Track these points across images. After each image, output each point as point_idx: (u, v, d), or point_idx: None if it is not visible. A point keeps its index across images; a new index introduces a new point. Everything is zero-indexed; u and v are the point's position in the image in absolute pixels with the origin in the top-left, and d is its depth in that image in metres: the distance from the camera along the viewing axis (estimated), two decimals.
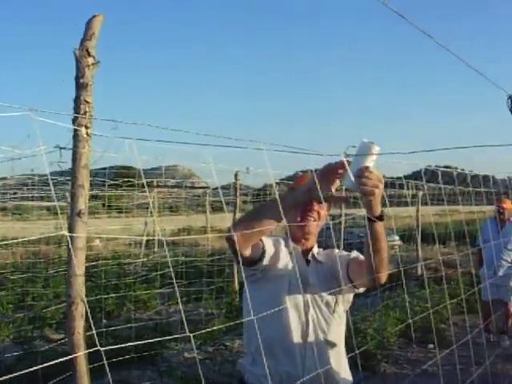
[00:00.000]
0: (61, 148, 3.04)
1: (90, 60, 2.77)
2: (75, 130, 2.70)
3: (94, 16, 2.85)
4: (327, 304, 2.65)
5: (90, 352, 2.60)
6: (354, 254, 2.75)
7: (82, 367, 2.73)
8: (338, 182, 2.27)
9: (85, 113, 2.71)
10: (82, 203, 2.77)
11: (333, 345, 2.63)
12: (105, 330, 6.58)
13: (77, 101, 2.72)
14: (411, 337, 7.71)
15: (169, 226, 22.34)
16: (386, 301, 8.73)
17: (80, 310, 2.74)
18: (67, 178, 12.02)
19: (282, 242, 2.70)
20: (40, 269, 11.29)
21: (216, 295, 9.35)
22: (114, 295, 9.03)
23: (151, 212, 17.05)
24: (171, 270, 9.21)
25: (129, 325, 7.19)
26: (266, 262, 2.51)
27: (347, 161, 2.18)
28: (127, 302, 9.51)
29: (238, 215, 10.13)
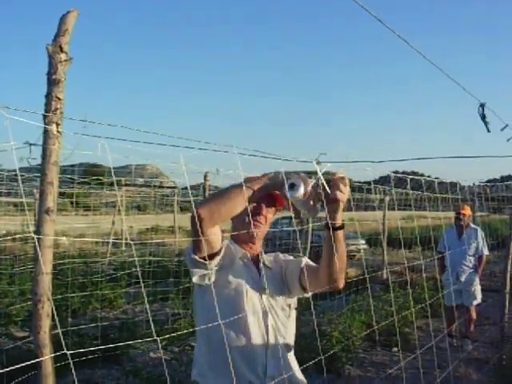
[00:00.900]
0: (30, 144, 3.00)
1: (63, 56, 2.73)
2: (45, 127, 2.67)
3: (69, 12, 2.82)
4: (283, 309, 2.64)
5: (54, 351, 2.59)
6: (305, 260, 2.71)
7: (48, 367, 2.70)
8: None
9: (56, 110, 2.68)
10: (51, 201, 2.74)
11: (290, 348, 2.64)
12: (71, 328, 6.50)
13: (48, 97, 2.68)
14: (376, 340, 7.78)
15: (136, 224, 22.19)
16: (352, 304, 8.79)
17: (46, 308, 2.71)
18: (35, 174, 11.89)
19: (232, 247, 2.65)
20: (5, 266, 11.11)
21: (183, 295, 9.30)
22: (80, 294, 8.94)
23: (119, 210, 16.91)
24: (138, 269, 9.16)
25: (94, 324, 7.11)
26: (221, 257, 2.42)
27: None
28: (93, 301, 9.42)
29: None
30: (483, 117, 2.73)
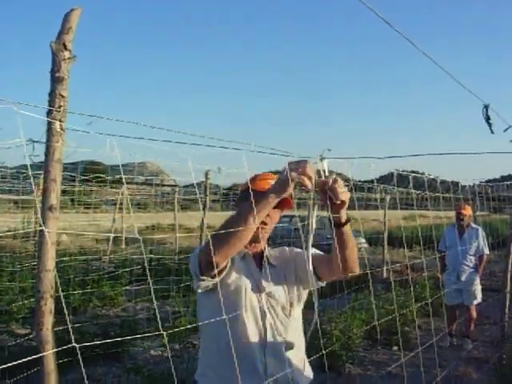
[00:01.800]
0: (34, 142, 3.00)
1: (67, 54, 2.73)
2: (49, 124, 2.67)
3: (72, 9, 2.82)
4: (283, 308, 2.63)
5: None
6: (313, 251, 2.69)
7: (51, 364, 2.71)
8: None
9: (59, 107, 2.68)
10: (54, 198, 2.74)
11: (291, 346, 2.63)
12: (75, 325, 6.52)
13: (52, 94, 2.69)
14: (376, 339, 7.80)
15: (137, 222, 22.21)
16: (353, 303, 8.80)
17: (49, 305, 2.72)
18: (36, 172, 11.90)
19: None
20: (6, 263, 11.12)
21: (183, 293, 9.32)
22: (80, 291, 8.96)
23: (120, 208, 16.92)
24: (147, 266, 9.17)
25: (96, 321, 7.13)
26: (227, 268, 2.44)
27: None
28: (94, 299, 9.44)
29: (208, 213, 10.09)
30: (487, 118, 2.74)
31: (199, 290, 2.48)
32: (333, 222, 2.42)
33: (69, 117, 2.71)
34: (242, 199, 2.61)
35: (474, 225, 8.76)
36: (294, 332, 2.67)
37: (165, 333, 1.91)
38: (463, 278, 8.21)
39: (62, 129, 2.71)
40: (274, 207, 2.48)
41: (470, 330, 8.21)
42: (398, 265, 11.97)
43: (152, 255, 12.82)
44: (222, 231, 2.21)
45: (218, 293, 2.40)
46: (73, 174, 14.35)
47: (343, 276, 2.53)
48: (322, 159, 2.27)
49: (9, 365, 1.93)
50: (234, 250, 2.29)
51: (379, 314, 8.01)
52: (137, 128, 2.51)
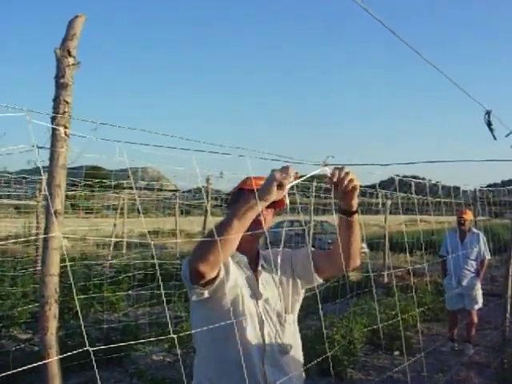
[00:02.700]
0: (39, 147, 3.02)
1: (71, 60, 2.76)
2: (54, 130, 2.68)
3: (77, 16, 2.84)
4: (278, 314, 2.60)
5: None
6: (312, 249, 2.74)
7: (55, 368, 2.72)
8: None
9: (64, 113, 2.70)
10: (59, 203, 2.76)
11: (286, 352, 2.61)
12: (77, 330, 6.54)
13: (56, 100, 2.71)
14: (378, 343, 7.80)
15: (137, 227, 22.20)
16: (354, 308, 8.81)
17: (53, 310, 2.73)
18: (39, 177, 11.92)
19: None
20: (7, 267, 11.13)
21: (185, 298, 9.32)
22: (82, 296, 8.96)
23: (121, 213, 16.94)
24: (157, 269, 9.17)
25: (98, 326, 7.13)
26: (221, 277, 2.35)
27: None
28: (95, 303, 9.45)
29: (210, 219, 10.11)
30: (489, 124, 2.75)
31: (194, 298, 2.42)
32: (342, 211, 2.46)
33: (72, 122, 2.73)
34: (233, 201, 2.60)
35: (475, 229, 8.77)
36: (290, 338, 2.64)
37: (175, 336, 1.92)
38: (464, 283, 8.22)
39: (66, 134, 2.73)
40: (268, 207, 2.48)
41: (471, 334, 8.21)
42: (399, 270, 11.98)
43: (156, 260, 12.81)
44: (207, 239, 2.16)
45: (215, 301, 2.41)
46: (74, 179, 14.37)
47: (344, 269, 2.54)
48: (325, 165, 2.30)
49: (14, 371, 1.95)
50: (220, 259, 2.18)
51: (380, 319, 8.02)
52: (139, 133, 2.52)
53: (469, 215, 8.46)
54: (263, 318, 2.53)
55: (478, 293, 8.27)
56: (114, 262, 13.33)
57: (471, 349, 7.98)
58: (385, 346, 7.77)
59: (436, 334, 8.98)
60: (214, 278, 2.31)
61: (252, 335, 2.49)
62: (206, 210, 10.10)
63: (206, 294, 2.38)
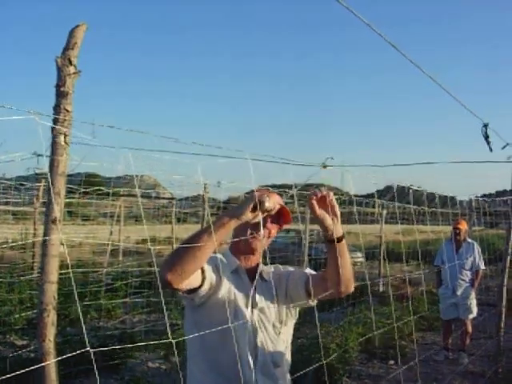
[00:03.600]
0: (38, 155, 3.05)
1: (72, 69, 2.79)
2: (54, 138, 2.71)
3: (78, 26, 2.87)
4: (273, 325, 2.60)
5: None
6: (308, 270, 2.70)
7: (52, 374, 2.74)
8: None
9: (64, 121, 2.73)
10: (58, 211, 2.78)
11: (279, 364, 2.61)
12: (74, 337, 6.54)
13: (56, 109, 2.73)
14: (373, 352, 7.82)
15: (133, 235, 22.20)
16: (349, 317, 8.83)
17: (52, 317, 2.75)
18: (37, 184, 11.94)
19: (224, 261, 2.58)
20: (4, 274, 11.12)
21: (181, 306, 9.32)
22: (79, 304, 8.95)
23: (118, 220, 16.94)
24: (157, 277, 9.16)
25: (94, 333, 7.13)
26: (206, 287, 2.37)
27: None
28: (91, 311, 9.45)
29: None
30: (486, 137, 2.79)
31: (184, 303, 2.46)
32: (327, 238, 2.36)
33: (74, 127, 2.76)
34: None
35: (469, 239, 8.81)
36: (283, 349, 2.64)
37: (174, 341, 1.96)
38: (459, 293, 8.25)
39: (66, 142, 2.76)
40: (273, 221, 2.51)
41: (465, 344, 8.23)
42: (392, 277, 12.01)
43: (154, 267, 12.79)
44: (177, 248, 2.19)
45: (206, 308, 2.42)
46: (71, 186, 14.37)
47: (338, 294, 2.48)
48: (324, 167, 2.32)
49: (8, 376, 1.96)
50: (188, 270, 2.15)
51: (376, 328, 8.04)
52: (142, 139, 2.55)
53: (464, 225, 8.52)
54: (257, 326, 2.52)
55: (473, 302, 8.31)
56: (110, 269, 13.31)
57: (466, 358, 8.00)
58: (380, 354, 7.79)
59: (430, 343, 9.01)
60: (197, 288, 2.33)
61: (245, 344, 2.48)
62: (203, 218, 10.13)
63: (196, 301, 2.40)
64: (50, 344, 2.74)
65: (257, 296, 2.57)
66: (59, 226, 2.79)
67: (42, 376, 2.71)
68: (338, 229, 2.35)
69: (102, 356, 6.17)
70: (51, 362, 2.70)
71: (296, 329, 2.80)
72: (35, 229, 12.05)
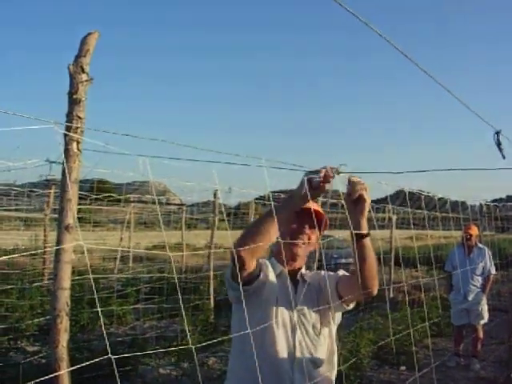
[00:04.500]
0: (51, 162, 3.06)
1: (84, 76, 2.81)
2: (66, 145, 2.73)
3: (90, 33, 2.89)
4: (313, 326, 2.67)
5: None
6: (341, 272, 2.81)
7: (65, 381, 2.74)
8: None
9: (76, 128, 2.74)
10: (71, 217, 2.80)
11: (319, 365, 2.66)
12: (84, 344, 6.55)
13: (69, 116, 2.75)
14: (384, 358, 7.79)
15: (143, 241, 22.23)
16: (360, 322, 8.80)
17: (65, 323, 2.76)
18: (47, 190, 12.00)
19: (269, 264, 2.69)
20: (15, 280, 11.16)
21: (191, 312, 9.33)
22: (89, 310, 8.99)
23: (128, 226, 16.99)
24: (176, 281, 9.19)
25: (107, 340, 7.13)
26: (262, 279, 2.51)
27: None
28: (102, 317, 9.47)
29: (216, 233, 10.16)
30: (498, 144, 2.78)
31: (231, 299, 2.58)
32: (354, 233, 2.41)
33: (86, 134, 2.78)
34: None
35: (480, 244, 8.78)
36: (324, 351, 2.69)
37: (193, 347, 1.97)
38: (470, 298, 8.21)
39: (78, 149, 2.77)
40: (310, 227, 2.62)
41: (477, 349, 8.19)
42: (407, 284, 11.95)
43: (160, 274, 12.84)
44: (247, 227, 2.38)
45: (249, 304, 2.44)
46: (81, 193, 14.42)
47: (362, 295, 2.51)
48: (338, 173, 2.32)
49: None
50: (258, 243, 2.28)
51: (386, 334, 8.02)
52: (153, 145, 2.56)
53: (474, 230, 8.48)
54: (297, 326, 2.60)
55: (484, 308, 8.27)
56: (120, 275, 13.34)
57: (477, 364, 7.96)
58: (391, 361, 7.76)
59: (442, 349, 8.96)
60: (254, 279, 2.46)
61: (283, 342, 2.57)
62: (214, 224, 10.14)
63: (250, 291, 2.48)
64: (63, 350, 2.74)
65: (297, 297, 2.66)
66: (72, 232, 2.81)
67: (56, 382, 2.72)
68: (364, 224, 2.42)
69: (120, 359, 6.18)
70: (66, 370, 2.70)
71: None
72: (45, 235, 12.07)
